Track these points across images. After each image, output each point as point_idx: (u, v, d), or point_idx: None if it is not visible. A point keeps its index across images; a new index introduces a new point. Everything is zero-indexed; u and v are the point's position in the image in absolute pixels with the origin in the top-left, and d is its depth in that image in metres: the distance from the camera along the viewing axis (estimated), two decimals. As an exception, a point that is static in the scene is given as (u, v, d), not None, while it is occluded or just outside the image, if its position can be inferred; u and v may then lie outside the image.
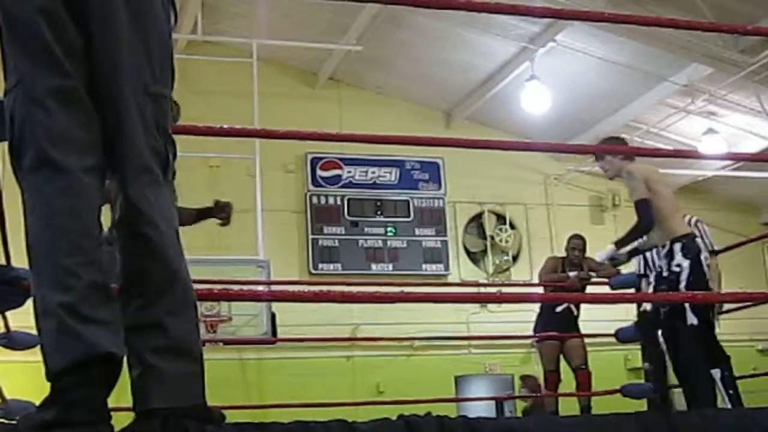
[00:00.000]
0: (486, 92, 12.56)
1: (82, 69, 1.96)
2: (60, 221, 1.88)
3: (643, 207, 5.57)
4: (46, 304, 1.86)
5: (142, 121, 2.00)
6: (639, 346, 7.08)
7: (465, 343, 12.02)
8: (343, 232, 12.16)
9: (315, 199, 12.54)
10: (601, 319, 7.66)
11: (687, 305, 5.41)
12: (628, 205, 14.12)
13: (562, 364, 8.06)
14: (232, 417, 2.16)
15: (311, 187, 12.65)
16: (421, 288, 8.78)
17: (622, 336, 6.74)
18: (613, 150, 6.23)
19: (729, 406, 5.24)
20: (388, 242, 12.56)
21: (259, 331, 10.68)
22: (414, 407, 7.45)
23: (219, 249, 11.08)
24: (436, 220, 13.12)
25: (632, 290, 6.54)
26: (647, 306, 5.76)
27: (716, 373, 5.49)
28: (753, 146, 12.24)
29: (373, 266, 12.38)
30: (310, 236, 12.32)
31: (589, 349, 8.08)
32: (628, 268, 6.75)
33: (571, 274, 8.00)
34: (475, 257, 13.53)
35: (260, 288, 8.83)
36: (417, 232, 12.90)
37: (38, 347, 1.92)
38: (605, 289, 7.36)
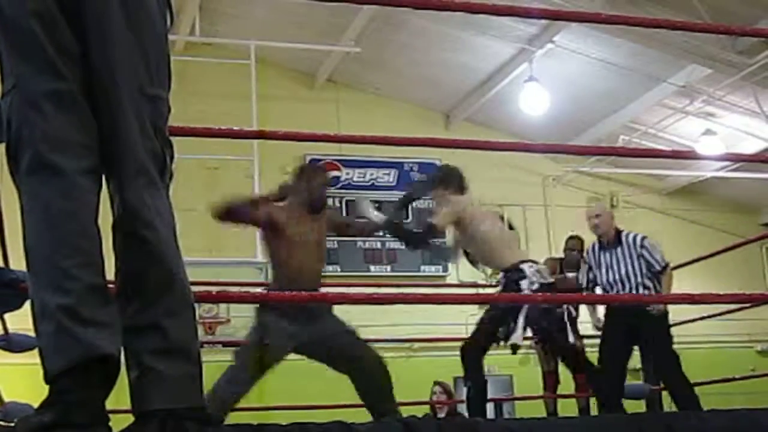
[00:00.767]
0: (484, 93, 12.57)
1: (78, 71, 1.96)
2: (58, 223, 1.88)
3: (429, 231, 5.65)
4: (45, 306, 1.86)
5: (138, 123, 1.99)
6: (637, 348, 7.07)
7: (464, 344, 12.01)
8: (342, 234, 12.18)
9: (313, 201, 12.53)
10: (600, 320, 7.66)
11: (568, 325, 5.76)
12: (627, 206, 14.20)
13: (561, 365, 8.05)
14: (230, 418, 2.16)
15: (310, 189, 12.62)
16: (419, 289, 8.78)
17: (620, 337, 6.74)
18: (612, 152, 6.23)
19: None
20: (387, 243, 12.55)
21: (258, 332, 10.67)
22: (413, 409, 7.46)
23: (217, 251, 11.09)
24: (435, 222, 13.10)
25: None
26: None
27: None
28: (751, 147, 12.26)
29: (372, 268, 12.38)
30: (309, 238, 12.31)
31: (587, 350, 8.07)
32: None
33: (570, 275, 7.99)
34: (474, 258, 13.51)
35: (258, 290, 8.83)
36: (415, 233, 12.89)
37: (36, 349, 1.92)
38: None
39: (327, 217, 5.31)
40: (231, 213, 5.06)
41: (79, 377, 1.82)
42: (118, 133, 1.97)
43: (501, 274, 5.61)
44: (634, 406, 6.82)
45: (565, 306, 7.15)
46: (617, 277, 6.48)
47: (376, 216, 5.64)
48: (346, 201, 12.74)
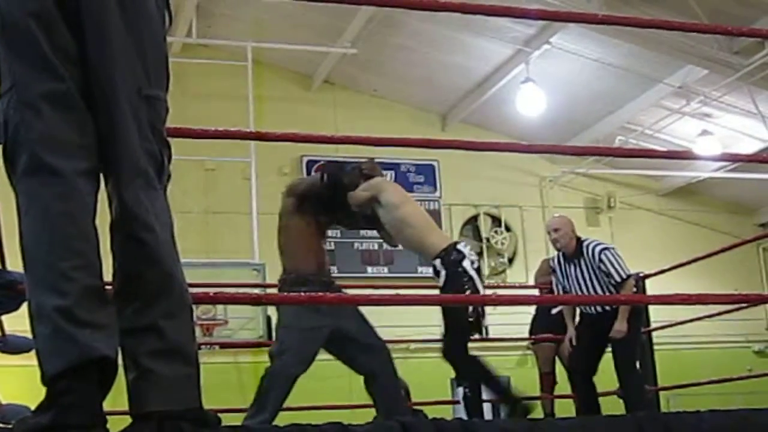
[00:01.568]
0: (481, 95, 12.57)
1: (76, 72, 1.96)
2: (55, 225, 1.88)
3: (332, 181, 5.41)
4: (42, 307, 1.86)
5: (136, 124, 1.99)
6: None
7: (461, 345, 12.01)
8: (338, 235, 12.11)
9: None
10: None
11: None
12: (624, 206, 14.21)
13: (558, 365, 8.05)
14: (228, 420, 2.16)
15: (307, 190, 12.63)
16: (416, 290, 8.76)
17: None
18: (609, 152, 6.23)
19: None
20: (384, 245, 12.54)
21: (255, 334, 10.68)
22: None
23: (215, 252, 11.09)
24: (432, 223, 13.11)
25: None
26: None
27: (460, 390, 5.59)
28: (748, 148, 12.27)
29: (369, 269, 12.38)
30: (306, 239, 12.30)
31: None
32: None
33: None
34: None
35: (256, 291, 8.83)
36: (412, 234, 12.89)
37: (34, 351, 1.91)
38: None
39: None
40: None
41: (77, 379, 1.82)
42: (116, 134, 1.97)
43: (437, 260, 5.28)
44: (631, 407, 6.82)
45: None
46: (581, 288, 6.51)
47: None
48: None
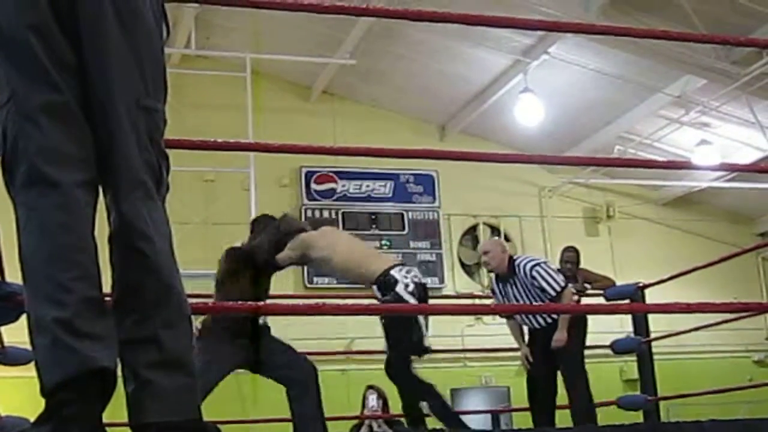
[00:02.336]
0: (480, 105, 12.59)
1: (74, 83, 1.95)
2: (53, 236, 1.88)
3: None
4: (41, 319, 1.85)
5: (134, 135, 1.99)
6: (635, 358, 7.07)
7: (460, 355, 11.98)
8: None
9: (310, 213, 12.53)
10: (596, 330, 7.66)
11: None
12: (623, 216, 14.21)
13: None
14: (227, 431, 2.16)
15: (306, 201, 12.65)
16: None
17: (617, 347, 6.74)
18: (607, 162, 6.23)
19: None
20: (383, 255, 12.55)
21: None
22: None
23: (214, 263, 11.05)
24: (431, 233, 13.12)
25: (627, 301, 6.55)
26: None
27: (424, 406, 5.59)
28: (746, 157, 12.28)
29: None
30: (305, 250, 12.30)
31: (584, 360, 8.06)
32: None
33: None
34: (470, 270, 13.52)
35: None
36: (412, 245, 12.90)
37: (32, 363, 1.91)
38: (600, 301, 7.36)
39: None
40: None
41: (76, 390, 1.81)
42: (114, 146, 1.97)
43: (374, 287, 5.39)
44: (632, 417, 6.81)
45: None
46: None
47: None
48: (343, 213, 12.76)
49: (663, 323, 7.61)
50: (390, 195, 13.08)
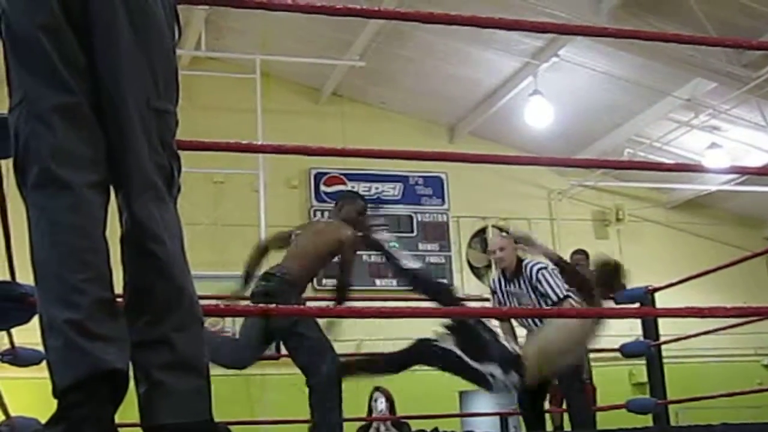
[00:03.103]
0: (489, 107, 12.58)
1: (86, 85, 1.96)
2: (65, 238, 1.88)
3: None
4: (52, 320, 1.86)
5: (146, 137, 1.99)
6: (644, 361, 7.05)
7: (469, 358, 11.96)
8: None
9: (319, 215, 12.53)
10: (605, 334, 7.66)
11: None
12: (632, 219, 14.18)
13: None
14: (237, 433, 2.16)
15: (315, 203, 12.65)
16: (425, 303, 8.75)
17: (626, 351, 6.73)
18: (617, 165, 6.23)
19: None
20: (392, 258, 12.53)
21: (264, 347, 10.64)
22: (419, 423, 7.42)
23: (224, 265, 11.07)
24: (440, 235, 13.11)
25: (637, 305, 6.54)
26: None
27: None
28: (756, 160, 12.24)
29: (377, 282, 12.36)
30: (315, 252, 12.31)
31: (593, 364, 8.05)
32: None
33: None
34: (479, 272, 13.50)
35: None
36: (421, 247, 12.89)
37: (44, 364, 1.91)
38: (610, 304, 7.34)
39: None
40: None
41: (88, 392, 1.82)
42: (126, 147, 1.98)
43: None
44: (641, 421, 6.80)
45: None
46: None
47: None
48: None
49: (672, 326, 7.61)
50: (399, 197, 13.07)
